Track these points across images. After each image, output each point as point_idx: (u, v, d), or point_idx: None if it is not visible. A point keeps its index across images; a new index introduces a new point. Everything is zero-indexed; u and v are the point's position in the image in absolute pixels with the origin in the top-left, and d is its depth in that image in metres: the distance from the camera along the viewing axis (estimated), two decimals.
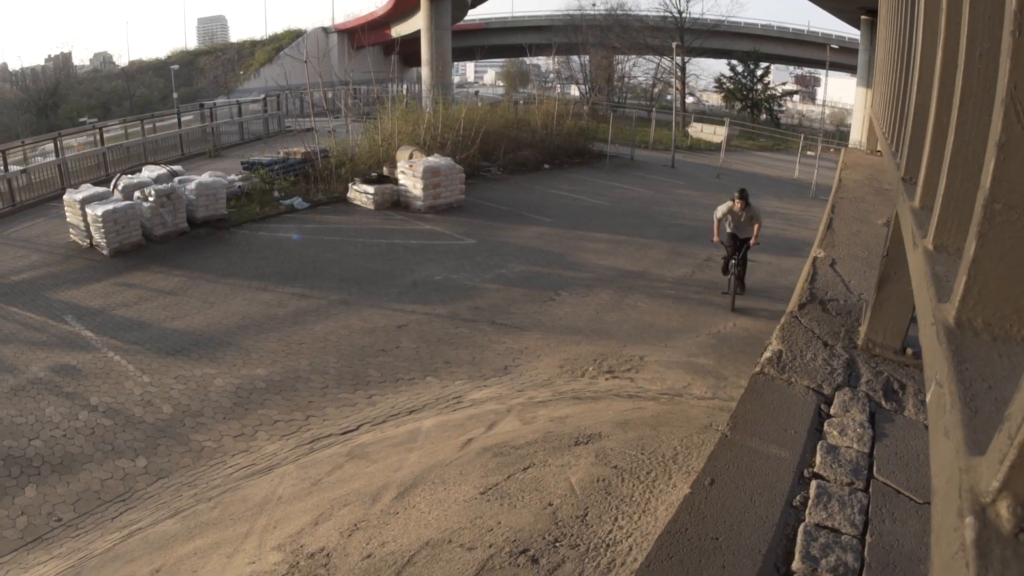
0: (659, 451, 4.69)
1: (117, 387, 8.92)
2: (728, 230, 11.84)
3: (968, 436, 1.07)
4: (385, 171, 19.07)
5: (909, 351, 4.31)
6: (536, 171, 24.06)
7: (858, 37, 39.00)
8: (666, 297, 12.23)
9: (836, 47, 52.31)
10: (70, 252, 14.72)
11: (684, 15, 54.31)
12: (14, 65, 72.70)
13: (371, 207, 17.56)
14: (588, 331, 10.54)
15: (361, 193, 17.90)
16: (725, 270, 12.02)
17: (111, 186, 16.41)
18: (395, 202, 17.88)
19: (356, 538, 4.51)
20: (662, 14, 54.94)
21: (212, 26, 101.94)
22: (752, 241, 11.68)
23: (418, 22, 54.19)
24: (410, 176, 17.70)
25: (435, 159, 18.17)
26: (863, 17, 35.92)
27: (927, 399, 1.35)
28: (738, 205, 11.61)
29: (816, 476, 3.13)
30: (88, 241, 14.85)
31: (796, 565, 2.56)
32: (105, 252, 14.34)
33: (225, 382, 8.94)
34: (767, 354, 4.16)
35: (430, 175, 17.41)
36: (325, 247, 14.58)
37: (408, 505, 4.87)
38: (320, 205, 18.00)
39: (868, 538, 2.71)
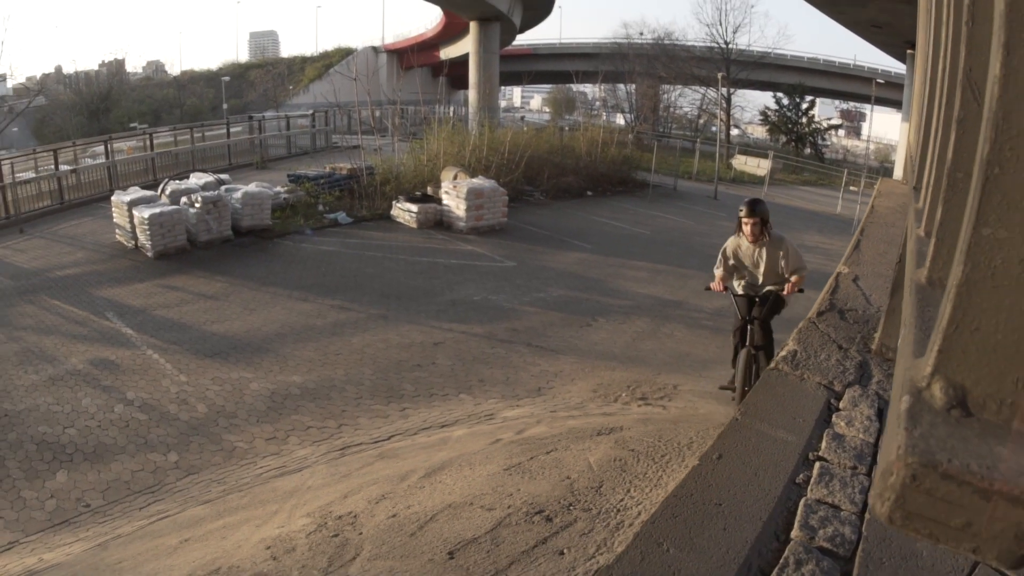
0: (675, 440, 4.82)
1: (154, 384, 9.16)
2: (738, 290, 7.41)
3: (916, 346, 1.26)
4: (429, 191, 19.32)
5: None
6: (579, 197, 24.20)
7: (904, 71, 38.73)
8: (703, 327, 12.25)
9: (882, 81, 52.04)
10: (115, 252, 15.10)
11: (731, 46, 54.37)
12: (68, 68, 74.25)
13: (414, 225, 17.79)
14: (623, 357, 10.60)
15: (404, 211, 18.14)
16: (736, 354, 7.46)
17: (159, 190, 16.81)
18: (438, 222, 18.09)
19: (382, 505, 4.68)
20: (709, 45, 55.05)
21: (264, 41, 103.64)
22: (792, 289, 6.99)
23: (467, 45, 54.79)
24: (454, 197, 17.91)
25: (479, 181, 18.39)
26: (908, 51, 35.72)
27: (899, 344, 1.49)
28: (748, 230, 7.03)
29: (820, 459, 3.22)
30: (133, 242, 15.26)
31: (795, 533, 2.66)
32: (149, 254, 14.74)
33: (261, 386, 9.13)
34: (782, 353, 4.25)
35: (473, 196, 17.61)
36: (367, 262, 14.80)
37: (434, 481, 5.03)
38: (363, 221, 18.27)
39: (867, 515, 2.80)
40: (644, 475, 4.25)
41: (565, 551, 3.40)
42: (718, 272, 7.33)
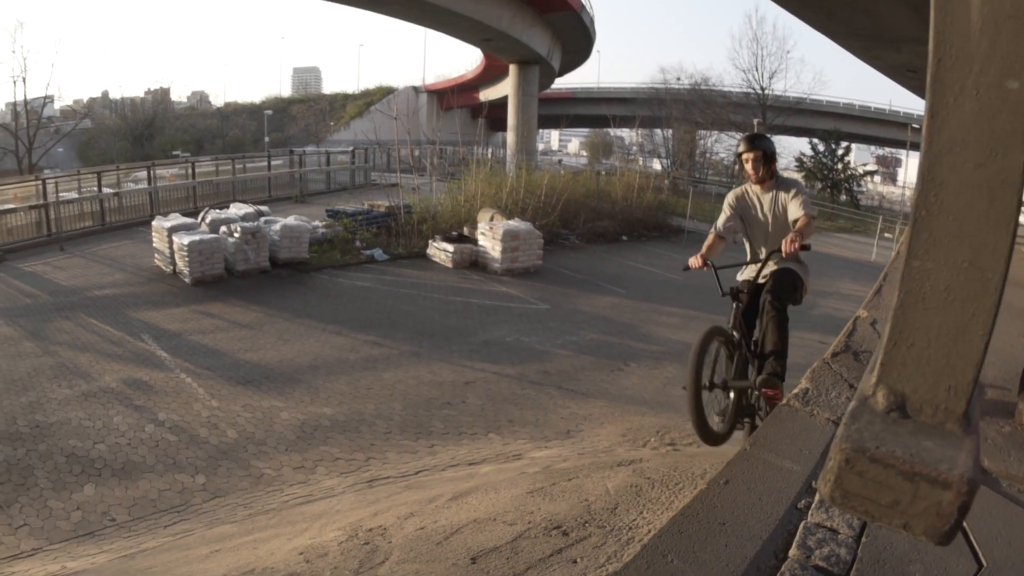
0: (690, 470, 4.89)
1: (185, 407, 9.28)
2: (740, 274, 5.79)
3: (871, 363, 1.53)
4: (465, 231, 19.46)
5: None
6: (614, 242, 24.26)
7: None
8: None
9: (917, 126, 51.73)
10: (153, 275, 15.38)
11: (767, 92, 54.62)
12: (115, 94, 75.89)
13: (449, 265, 17.92)
14: (653, 403, 10.57)
15: (441, 250, 18.29)
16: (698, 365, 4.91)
17: (199, 218, 17.17)
18: (473, 262, 18.20)
19: (411, 520, 4.78)
20: (745, 91, 55.34)
21: (307, 76, 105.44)
22: (791, 245, 5.00)
23: (506, 87, 55.36)
24: (490, 238, 18.03)
25: (515, 223, 18.51)
26: None
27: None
28: (750, 167, 5.49)
29: None
30: (172, 268, 15.57)
31: (792, 552, 2.75)
32: (187, 280, 15.00)
33: (291, 416, 9.19)
34: (795, 391, 4.32)
35: (509, 238, 17.72)
36: (401, 299, 14.94)
37: (460, 502, 5.09)
38: (400, 259, 18.45)
39: (864, 539, 2.88)
40: (657, 499, 4.34)
41: (578, 560, 3.55)
42: (710, 237, 5.73)
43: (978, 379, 1.40)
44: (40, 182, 22.99)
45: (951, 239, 1.45)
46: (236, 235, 15.70)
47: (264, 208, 19.69)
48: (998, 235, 1.41)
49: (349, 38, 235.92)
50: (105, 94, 74.87)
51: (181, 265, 15.20)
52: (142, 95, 76.42)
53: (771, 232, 5.54)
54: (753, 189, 5.63)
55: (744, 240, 5.83)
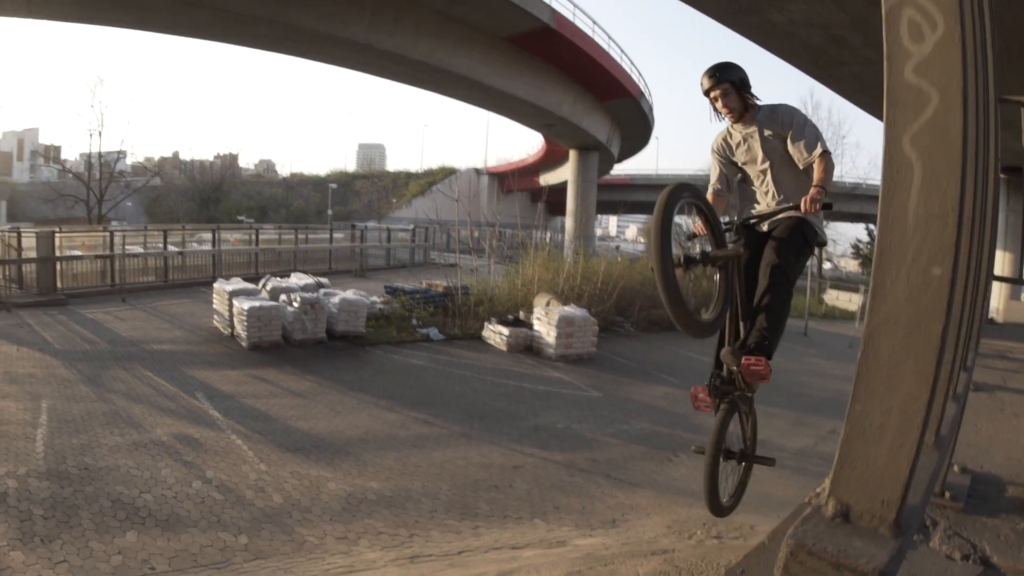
0: (718, 561, 4.93)
1: (234, 468, 9.35)
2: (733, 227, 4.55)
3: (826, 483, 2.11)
4: (521, 315, 19.50)
5: (947, 495, 4.63)
6: (668, 331, 23.85)
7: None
8: (785, 467, 11.88)
9: None
10: (211, 336, 15.66)
11: None
12: (185, 155, 78.46)
13: (504, 348, 17.95)
14: (702, 495, 10.34)
15: (496, 333, 18.36)
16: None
17: (260, 285, 17.54)
18: (527, 346, 18.20)
19: None
20: None
21: (371, 152, 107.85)
22: (811, 205, 4.06)
23: (565, 172, 56.06)
24: (545, 323, 18.05)
25: (571, 309, 18.52)
26: (1002, 175, 34.82)
27: None
28: (721, 105, 4.41)
29: None
30: (230, 330, 15.89)
31: None
32: (244, 344, 15.24)
33: (338, 487, 9.20)
34: (818, 489, 4.39)
35: (564, 324, 17.71)
36: (454, 380, 14.97)
37: None
38: (455, 339, 18.54)
39: None
40: None
41: None
42: (709, 196, 4.58)
43: (906, 496, 1.89)
44: (108, 233, 23.80)
45: (884, 390, 1.91)
46: (295, 304, 15.96)
47: (324, 280, 19.96)
48: (920, 388, 1.86)
49: (414, 117, 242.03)
50: (176, 155, 77.67)
51: (239, 329, 15.47)
52: (211, 159, 78.89)
53: (774, 176, 4.47)
54: (735, 128, 4.55)
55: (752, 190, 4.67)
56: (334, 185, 70.55)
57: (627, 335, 22.05)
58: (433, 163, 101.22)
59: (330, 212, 63.60)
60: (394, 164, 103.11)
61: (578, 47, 38.77)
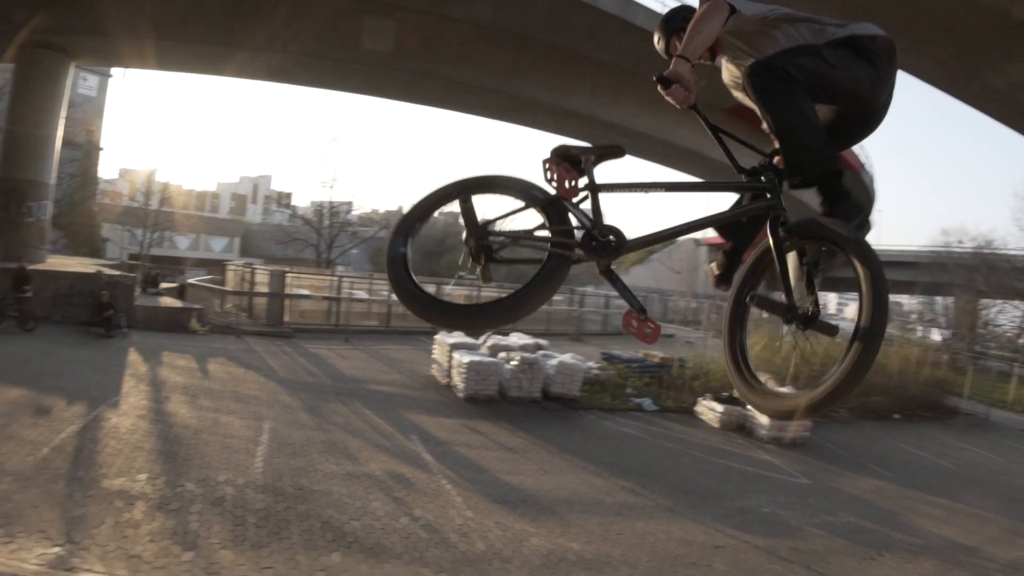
0: None
1: (441, 510, 9.55)
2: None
3: None
4: (735, 393, 18.83)
5: None
6: (885, 419, 22.45)
7: None
8: None
9: None
10: (428, 383, 16.22)
11: None
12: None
13: (716, 425, 17.47)
14: None
15: (709, 409, 17.91)
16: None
17: (480, 340, 17.88)
18: (740, 425, 17.62)
19: None
20: None
21: None
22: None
23: None
24: None
25: (787, 391, 17.72)
26: None
27: None
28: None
29: None
30: (447, 380, 16.52)
31: None
32: (460, 395, 15.73)
33: (539, 543, 9.18)
34: None
35: None
36: (664, 452, 14.68)
37: None
38: (667, 411, 18.23)
39: None
40: None
41: None
42: None
43: None
44: (336, 278, 25.21)
45: None
46: (514, 363, 16.37)
47: (543, 341, 20.25)
48: None
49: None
50: (400, 209, 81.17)
51: (457, 380, 15.98)
52: (436, 215, 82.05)
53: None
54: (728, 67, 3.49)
55: None
56: None
57: (841, 421, 20.86)
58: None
59: None
60: None
61: None
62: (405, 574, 7.73)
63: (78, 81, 35.76)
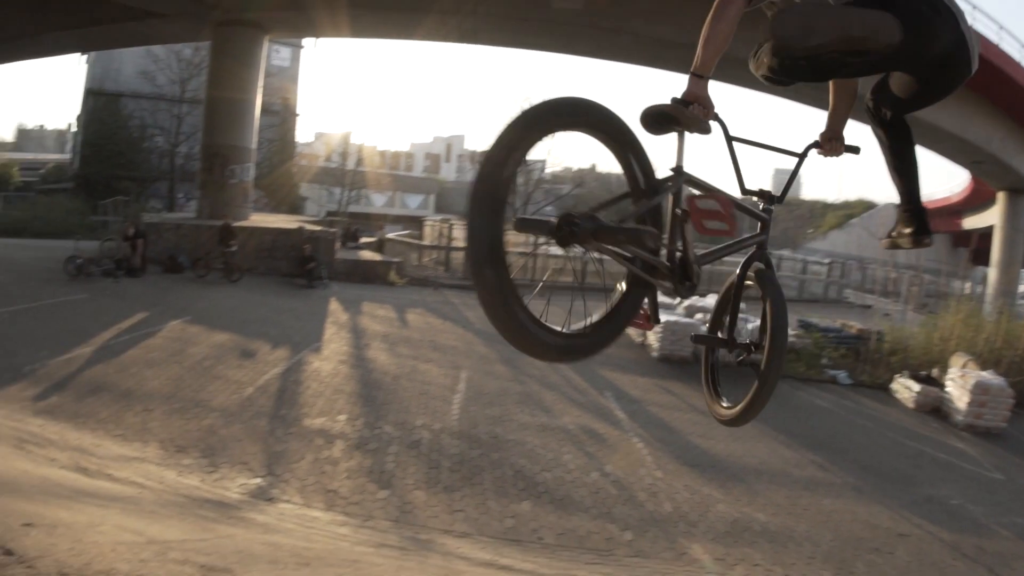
0: None
1: (631, 468, 9.85)
2: None
3: None
4: (935, 373, 18.16)
5: None
6: None
7: None
8: None
9: None
10: (622, 340, 16.05)
11: None
12: (602, 168, 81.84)
13: (910, 405, 16.83)
14: None
15: (905, 388, 17.23)
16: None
17: (677, 300, 17.74)
18: (935, 408, 16.87)
19: None
20: None
21: (783, 179, 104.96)
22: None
23: (991, 216, 49.86)
24: (958, 386, 16.58)
25: (988, 376, 16.70)
26: None
27: None
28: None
29: None
30: (642, 339, 16.71)
31: None
32: (654, 355, 15.93)
33: (726, 509, 9.36)
34: None
35: (979, 392, 16.09)
36: (856, 429, 14.43)
37: None
38: (862, 386, 17.73)
39: None
40: None
41: None
42: None
43: None
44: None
45: None
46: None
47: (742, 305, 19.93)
48: None
49: None
50: (593, 167, 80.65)
51: (652, 339, 16.07)
52: None
53: None
54: None
55: None
56: None
57: None
58: (851, 194, 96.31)
59: None
60: (810, 192, 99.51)
61: (1007, 75, 34.79)
62: (592, 528, 8.08)
63: (271, 53, 37.85)
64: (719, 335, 3.36)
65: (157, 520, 4.12)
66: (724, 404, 3.35)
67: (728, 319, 3.33)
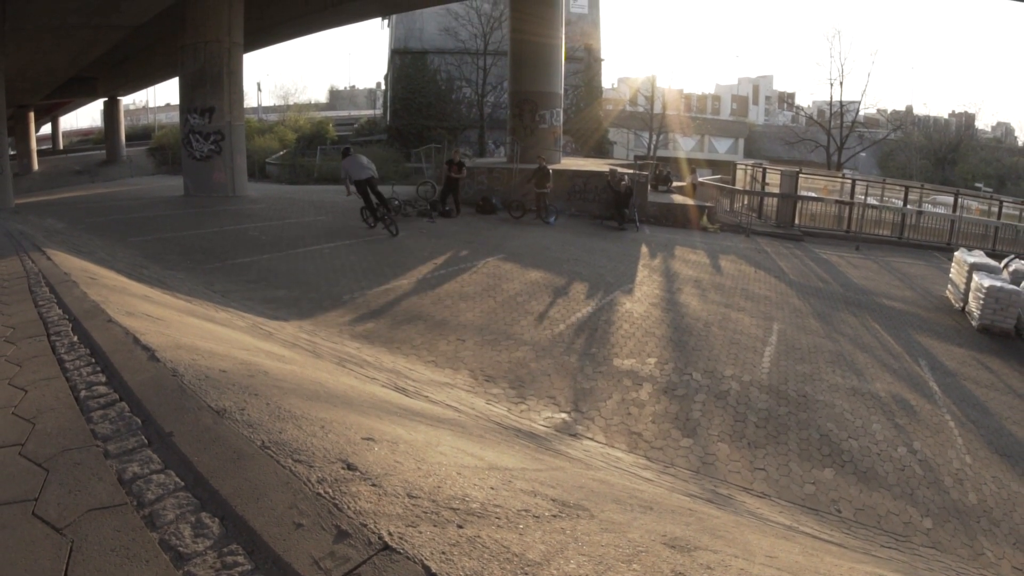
0: None
1: (940, 449, 8.88)
2: None
3: None
4: None
5: None
6: None
7: None
8: None
9: None
10: (939, 305, 15.03)
11: None
12: (919, 110, 73.66)
13: None
14: None
15: None
16: None
17: (1002, 264, 15.82)
18: None
19: None
20: None
21: None
22: None
23: None
24: None
25: None
26: None
27: None
28: None
29: None
30: (961, 305, 14.93)
31: None
32: (974, 323, 14.04)
33: None
34: None
35: None
36: None
37: None
38: None
39: None
40: None
41: None
42: None
43: None
44: (848, 181, 24.08)
45: None
46: None
47: None
48: None
49: None
50: (909, 109, 73.21)
51: (973, 306, 14.23)
52: (946, 116, 73.15)
53: None
54: None
55: None
56: None
57: None
58: None
59: None
60: None
61: None
62: (892, 508, 7.39)
63: (570, 2, 38.01)
64: None
65: (488, 445, 4.15)
66: None
67: None
